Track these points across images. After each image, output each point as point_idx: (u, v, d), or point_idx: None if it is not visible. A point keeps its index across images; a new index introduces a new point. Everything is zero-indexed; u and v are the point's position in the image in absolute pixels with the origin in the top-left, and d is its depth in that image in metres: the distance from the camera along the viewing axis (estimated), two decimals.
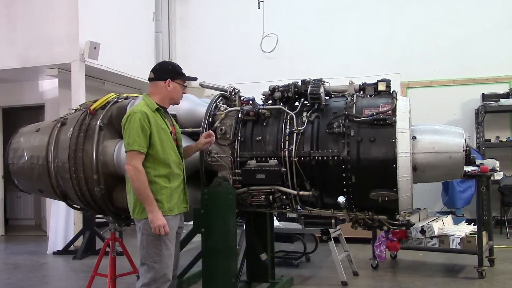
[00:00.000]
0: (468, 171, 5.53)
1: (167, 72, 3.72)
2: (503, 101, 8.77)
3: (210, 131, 4.04)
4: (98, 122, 4.42)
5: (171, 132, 3.68)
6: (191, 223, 4.39)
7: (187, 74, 3.81)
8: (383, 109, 3.93)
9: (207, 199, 4.15)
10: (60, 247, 7.76)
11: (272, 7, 10.34)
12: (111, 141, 4.37)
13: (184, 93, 3.84)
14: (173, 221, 3.58)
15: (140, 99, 3.77)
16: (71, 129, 4.53)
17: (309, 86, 4.20)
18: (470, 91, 9.31)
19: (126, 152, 3.49)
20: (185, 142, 4.18)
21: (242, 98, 4.50)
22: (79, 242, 7.63)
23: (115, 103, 4.60)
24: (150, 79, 3.73)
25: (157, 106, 3.62)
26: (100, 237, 7.51)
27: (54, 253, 7.72)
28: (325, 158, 3.95)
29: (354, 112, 3.99)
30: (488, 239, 6.03)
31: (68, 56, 8.13)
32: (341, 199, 3.90)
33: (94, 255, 7.14)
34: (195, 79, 3.93)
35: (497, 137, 9.10)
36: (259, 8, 10.32)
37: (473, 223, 6.45)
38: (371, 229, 5.02)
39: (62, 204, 6.47)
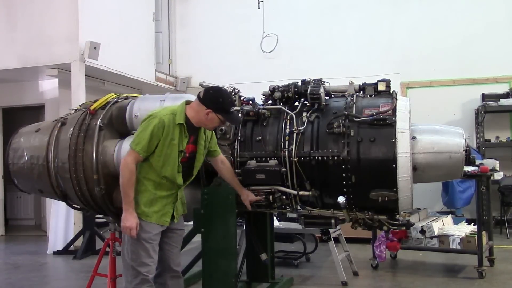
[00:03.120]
0: (468, 171, 5.53)
1: (214, 102, 3.54)
2: (503, 101, 8.77)
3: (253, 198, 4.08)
4: (98, 122, 4.41)
5: (181, 151, 3.55)
6: (191, 223, 4.40)
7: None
8: (383, 109, 3.93)
9: (207, 199, 4.15)
10: (60, 247, 7.76)
11: (272, 7, 10.35)
12: (111, 141, 4.37)
13: (221, 127, 3.96)
14: (148, 227, 3.53)
15: (179, 102, 3.65)
16: (71, 129, 4.52)
17: (309, 86, 4.20)
18: (470, 91, 9.31)
19: (129, 145, 3.50)
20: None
21: (242, 98, 4.50)
22: (79, 242, 7.63)
23: (115, 103, 4.59)
24: (198, 97, 3.60)
25: (181, 122, 3.51)
26: (100, 237, 7.51)
27: (54, 253, 7.72)
28: (325, 158, 3.95)
29: (354, 112, 3.99)
30: (488, 239, 6.03)
31: (68, 56, 8.13)
32: (341, 199, 3.90)
33: (94, 255, 7.13)
34: (237, 123, 4.05)
35: (497, 137, 9.10)
36: (259, 8, 10.33)
37: (473, 223, 6.45)
38: (371, 229, 5.01)
39: (62, 204, 6.46)
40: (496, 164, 6.38)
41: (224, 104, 3.58)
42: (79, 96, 7.99)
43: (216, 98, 3.57)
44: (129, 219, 3.43)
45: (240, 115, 4.31)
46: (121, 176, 3.46)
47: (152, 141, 3.43)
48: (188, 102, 3.64)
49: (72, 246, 7.69)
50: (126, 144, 4.13)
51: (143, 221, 3.51)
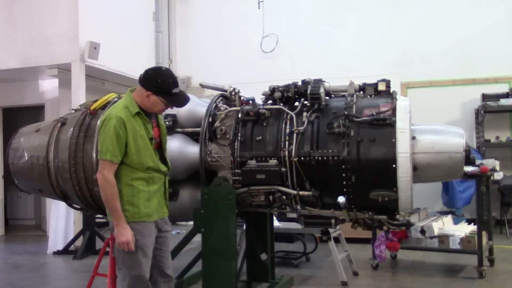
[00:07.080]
0: (468, 171, 5.52)
1: (152, 84, 3.31)
2: (503, 101, 8.76)
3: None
4: (98, 122, 4.42)
5: (151, 138, 3.38)
6: (191, 223, 4.40)
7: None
8: (383, 109, 3.94)
9: (207, 199, 4.16)
10: (60, 247, 7.75)
11: (272, 7, 10.34)
12: None
13: (171, 107, 3.47)
14: (151, 226, 3.38)
15: (123, 97, 3.48)
16: (71, 129, 4.53)
17: (309, 86, 4.21)
18: (470, 91, 9.30)
19: (98, 158, 3.28)
20: (184, 143, 4.18)
21: (242, 98, 4.50)
22: (79, 242, 7.63)
23: (115, 103, 4.59)
24: (139, 79, 3.41)
25: (138, 110, 3.33)
26: (100, 237, 7.51)
27: (54, 253, 7.71)
28: (325, 158, 3.96)
29: (354, 112, 3.99)
30: (488, 239, 6.03)
31: (68, 56, 8.13)
32: (341, 199, 3.90)
33: (94, 255, 7.13)
34: (181, 104, 3.50)
35: (497, 137, 9.09)
36: (259, 8, 10.33)
37: (473, 223, 6.44)
38: (371, 229, 5.02)
39: (62, 204, 6.47)
40: (496, 164, 6.37)
41: (164, 85, 3.30)
42: (79, 96, 8.00)
43: (154, 80, 3.31)
44: (124, 234, 3.21)
45: (240, 115, 4.31)
46: (103, 191, 3.21)
47: (119, 142, 3.21)
48: (132, 90, 3.43)
49: (72, 246, 7.69)
50: None
51: (144, 222, 3.33)
